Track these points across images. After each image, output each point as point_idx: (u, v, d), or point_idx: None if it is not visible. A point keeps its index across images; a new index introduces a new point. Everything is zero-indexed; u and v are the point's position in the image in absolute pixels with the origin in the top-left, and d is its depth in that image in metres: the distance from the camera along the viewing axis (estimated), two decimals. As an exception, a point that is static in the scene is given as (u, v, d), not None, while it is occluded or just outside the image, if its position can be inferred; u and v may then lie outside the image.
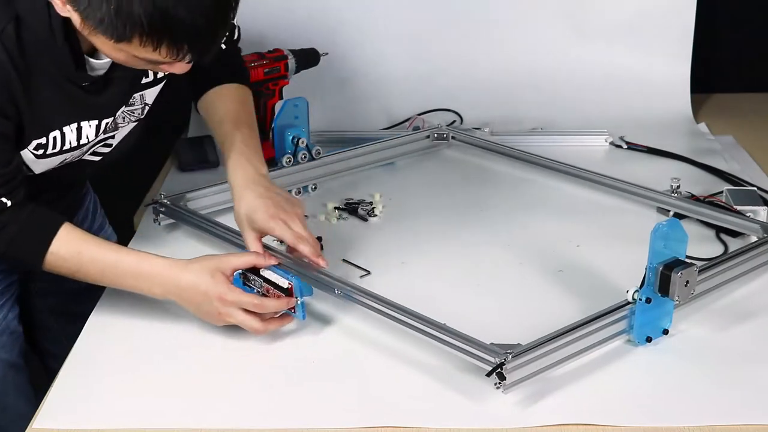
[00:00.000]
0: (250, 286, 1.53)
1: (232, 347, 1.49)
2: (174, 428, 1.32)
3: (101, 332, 1.53)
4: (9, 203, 1.43)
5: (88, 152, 1.59)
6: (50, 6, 1.34)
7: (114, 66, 1.46)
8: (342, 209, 1.95)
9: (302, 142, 2.03)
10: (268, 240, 1.60)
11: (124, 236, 1.94)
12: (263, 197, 1.57)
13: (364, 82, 2.54)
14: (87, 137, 1.51)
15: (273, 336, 1.51)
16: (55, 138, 1.47)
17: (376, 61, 2.54)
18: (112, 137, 1.60)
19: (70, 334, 1.53)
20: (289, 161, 2.03)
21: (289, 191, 1.99)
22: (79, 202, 1.85)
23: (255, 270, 1.52)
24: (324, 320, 1.55)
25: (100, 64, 1.45)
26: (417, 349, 1.45)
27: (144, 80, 1.57)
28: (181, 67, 1.36)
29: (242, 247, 1.68)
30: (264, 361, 1.45)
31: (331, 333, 1.53)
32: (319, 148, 2.07)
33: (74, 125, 1.49)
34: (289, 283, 1.48)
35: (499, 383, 1.31)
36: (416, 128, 2.34)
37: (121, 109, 1.56)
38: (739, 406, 1.34)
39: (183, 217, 1.83)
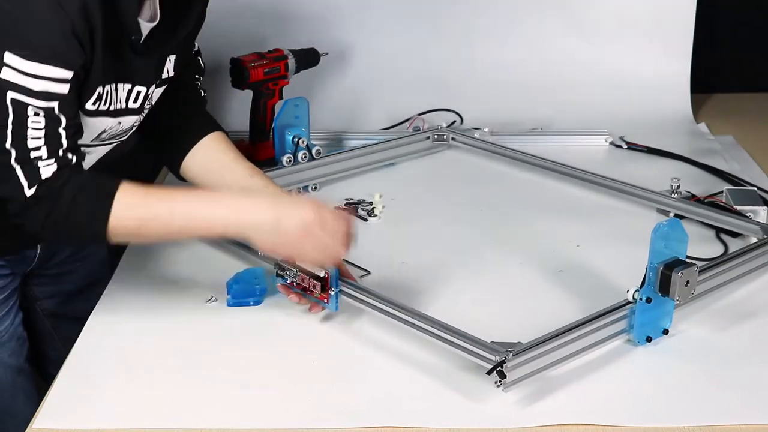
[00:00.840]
0: (284, 276, 1.54)
1: (231, 347, 1.49)
2: (174, 428, 1.31)
3: (101, 333, 1.52)
4: (74, 160, 1.39)
5: (106, 139, 1.56)
6: None
7: (149, 36, 1.46)
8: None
9: (303, 142, 2.04)
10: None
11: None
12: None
13: (364, 81, 2.54)
14: (120, 101, 1.48)
15: (273, 336, 1.51)
16: (108, 92, 1.45)
17: (376, 61, 2.54)
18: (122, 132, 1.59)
19: (67, 338, 1.53)
20: (290, 161, 2.03)
21: (290, 191, 2.00)
22: None
23: (290, 260, 1.53)
24: (324, 320, 1.55)
25: (144, 26, 1.45)
26: (417, 348, 1.45)
27: (164, 75, 1.58)
28: None
29: (242, 246, 1.69)
30: (264, 361, 1.45)
31: (331, 332, 1.53)
32: (319, 148, 2.07)
33: (113, 85, 1.46)
34: (326, 273, 1.50)
35: (500, 381, 1.31)
36: (416, 128, 2.34)
37: (151, 92, 1.55)
38: (739, 406, 1.34)
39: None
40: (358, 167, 2.15)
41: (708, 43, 2.63)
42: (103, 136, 1.52)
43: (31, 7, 1.31)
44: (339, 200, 1.98)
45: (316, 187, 2.07)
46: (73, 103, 1.38)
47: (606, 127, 2.35)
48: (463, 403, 1.35)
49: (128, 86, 1.49)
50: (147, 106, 1.57)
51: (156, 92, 1.60)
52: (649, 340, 1.46)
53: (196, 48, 1.75)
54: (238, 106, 2.22)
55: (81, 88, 1.40)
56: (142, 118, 1.59)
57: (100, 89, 1.43)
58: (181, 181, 1.76)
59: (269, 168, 1.98)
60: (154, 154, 1.71)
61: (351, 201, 1.98)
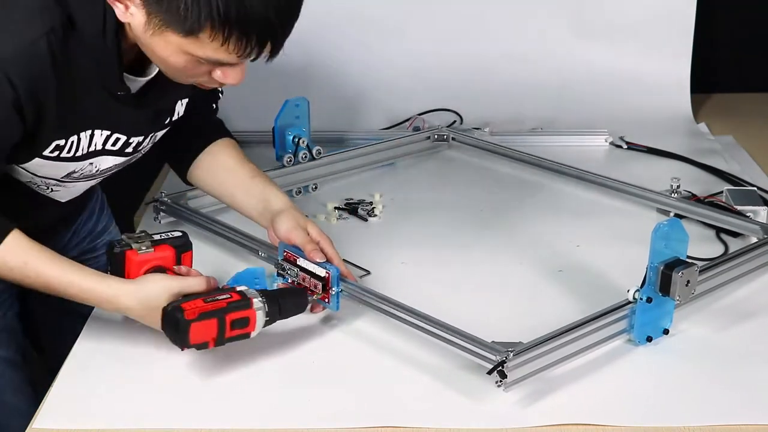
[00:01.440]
0: (285, 276, 1.54)
1: (232, 348, 1.48)
2: (174, 428, 1.31)
3: (101, 332, 1.52)
4: None
5: (81, 178, 1.57)
6: (106, 12, 1.34)
7: (145, 89, 1.46)
8: (342, 209, 1.95)
9: (303, 142, 2.04)
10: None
11: (124, 235, 1.94)
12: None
13: (365, 81, 2.54)
14: (95, 145, 1.50)
15: (273, 336, 1.50)
16: (72, 142, 1.46)
17: (376, 61, 2.54)
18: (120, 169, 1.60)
19: (70, 332, 1.53)
20: (290, 161, 2.03)
21: (290, 191, 2.00)
22: (83, 205, 1.85)
23: (291, 260, 1.54)
24: (324, 320, 1.55)
25: (135, 81, 1.45)
26: (417, 348, 1.45)
27: (167, 120, 1.58)
28: (236, 75, 1.37)
29: (243, 245, 1.70)
30: (264, 361, 1.45)
31: (331, 332, 1.52)
32: (319, 147, 2.07)
33: (89, 131, 1.48)
34: (327, 273, 1.50)
35: (500, 381, 1.31)
36: (416, 128, 2.34)
37: (143, 141, 1.56)
38: (740, 406, 1.34)
39: (184, 215, 1.83)
40: (359, 167, 2.15)
41: (708, 43, 2.63)
42: (75, 175, 1.54)
43: None
44: (339, 200, 1.98)
45: (316, 187, 2.07)
46: None
47: (606, 127, 2.35)
48: (463, 402, 1.35)
49: (106, 133, 1.49)
50: (138, 150, 1.58)
51: (160, 133, 1.60)
52: (649, 339, 1.46)
53: None
54: (239, 106, 2.22)
55: (30, 139, 1.41)
56: (131, 159, 1.59)
57: (60, 142, 1.44)
58: (188, 185, 1.77)
59: (270, 168, 1.98)
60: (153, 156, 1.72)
61: (351, 201, 1.98)
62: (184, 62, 1.34)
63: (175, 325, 1.36)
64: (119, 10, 1.32)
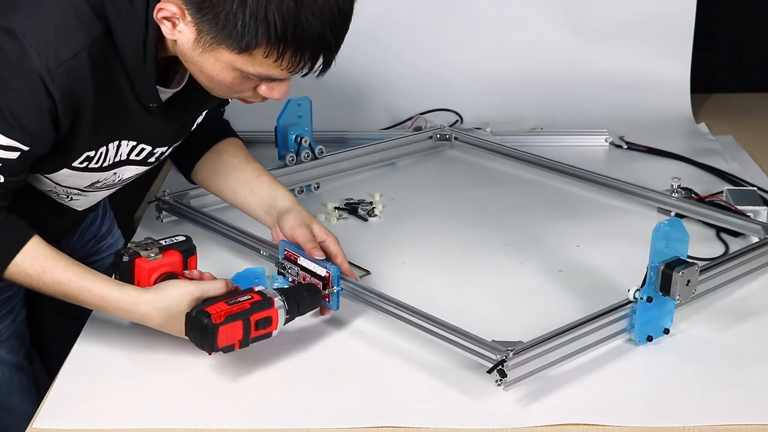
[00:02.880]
0: (285, 275, 1.54)
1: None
2: (174, 428, 1.31)
3: (101, 332, 1.52)
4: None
5: (103, 188, 1.57)
6: (149, 26, 1.33)
7: (170, 100, 1.46)
8: (342, 209, 1.95)
9: (305, 141, 2.04)
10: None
11: (125, 234, 1.94)
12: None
13: (366, 81, 2.54)
14: (120, 155, 1.49)
15: (272, 336, 1.51)
16: (101, 153, 1.46)
17: (377, 61, 2.55)
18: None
19: (71, 336, 1.53)
20: (292, 160, 2.03)
21: (292, 190, 2.00)
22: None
23: (292, 259, 1.54)
24: (324, 319, 1.55)
25: (164, 92, 1.44)
26: (418, 347, 1.45)
27: (189, 130, 1.58)
28: (282, 90, 1.37)
29: (245, 244, 1.70)
30: (264, 361, 1.45)
31: (331, 332, 1.53)
32: (322, 147, 2.07)
33: (116, 142, 1.47)
34: (327, 272, 1.50)
35: (500, 380, 1.31)
36: (418, 128, 2.34)
37: (167, 151, 1.56)
38: (740, 406, 1.34)
39: (186, 214, 1.83)
40: (361, 166, 2.15)
41: (708, 43, 2.63)
42: (98, 185, 1.54)
43: (15, 83, 1.30)
44: (340, 200, 1.98)
45: (318, 186, 2.07)
46: (18, 168, 1.37)
47: (606, 127, 2.36)
48: (463, 401, 1.35)
49: (132, 143, 1.48)
50: (159, 160, 1.58)
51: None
52: (650, 339, 1.46)
53: None
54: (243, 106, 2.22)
55: (62, 151, 1.40)
56: (150, 168, 1.59)
57: (90, 153, 1.44)
58: (192, 184, 1.77)
59: (272, 167, 1.98)
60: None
61: (351, 201, 1.98)
62: (232, 78, 1.33)
63: (202, 329, 1.35)
64: (166, 28, 1.31)
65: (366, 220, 1.92)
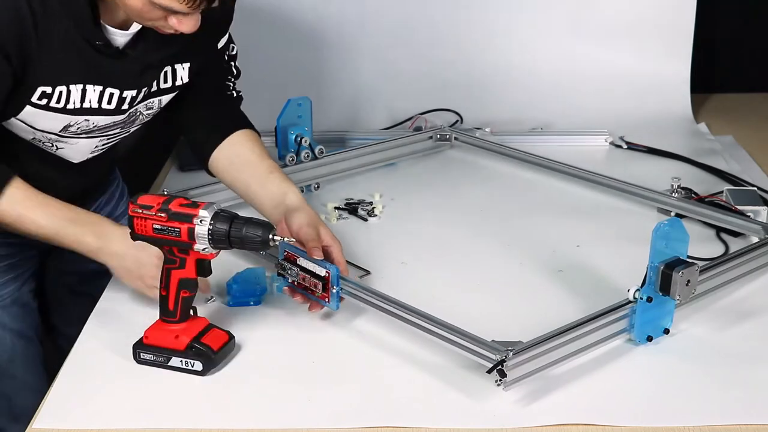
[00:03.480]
0: (285, 276, 1.54)
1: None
2: (174, 428, 1.31)
3: (101, 333, 1.52)
4: None
5: (103, 136, 1.62)
6: None
7: (129, 45, 1.52)
8: (342, 209, 1.95)
9: (305, 141, 2.04)
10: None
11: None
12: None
13: (366, 81, 2.54)
14: (90, 102, 1.54)
15: (273, 336, 1.51)
16: (60, 92, 1.51)
17: (377, 61, 2.54)
18: (122, 128, 1.63)
19: (83, 316, 1.56)
20: (292, 160, 2.03)
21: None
22: (104, 188, 1.88)
23: (292, 260, 1.54)
24: (324, 319, 1.55)
25: (117, 33, 1.50)
26: (417, 347, 1.45)
27: (163, 85, 1.61)
28: (189, 24, 1.43)
29: (243, 245, 1.68)
30: (264, 361, 1.45)
31: (331, 332, 1.53)
32: (322, 147, 2.07)
33: (80, 86, 1.52)
34: (327, 272, 1.50)
35: (500, 380, 1.31)
36: (418, 128, 2.34)
37: (139, 105, 1.60)
38: (740, 406, 1.34)
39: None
40: (361, 167, 2.15)
41: (708, 43, 2.63)
42: (71, 129, 1.57)
43: None
44: (340, 200, 1.98)
45: (318, 186, 2.07)
46: None
47: (606, 127, 2.36)
48: (463, 401, 1.35)
49: (98, 88, 1.53)
50: (136, 108, 1.61)
51: (165, 98, 1.64)
52: (649, 339, 1.46)
53: (233, 52, 1.77)
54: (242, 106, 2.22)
55: (18, 87, 1.47)
56: (131, 121, 1.62)
57: (46, 89, 1.49)
58: (210, 176, 1.78)
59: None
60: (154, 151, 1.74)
61: (351, 201, 1.98)
62: (141, 5, 1.40)
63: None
64: None
65: (366, 220, 1.92)
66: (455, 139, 2.30)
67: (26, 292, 1.76)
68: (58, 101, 1.51)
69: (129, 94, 1.57)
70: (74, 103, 1.52)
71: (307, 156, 2.05)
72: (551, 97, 2.52)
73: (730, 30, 2.71)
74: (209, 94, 1.73)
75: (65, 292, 1.88)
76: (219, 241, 1.39)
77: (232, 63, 1.78)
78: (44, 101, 1.50)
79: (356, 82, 2.54)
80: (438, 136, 2.30)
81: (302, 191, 2.03)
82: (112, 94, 1.55)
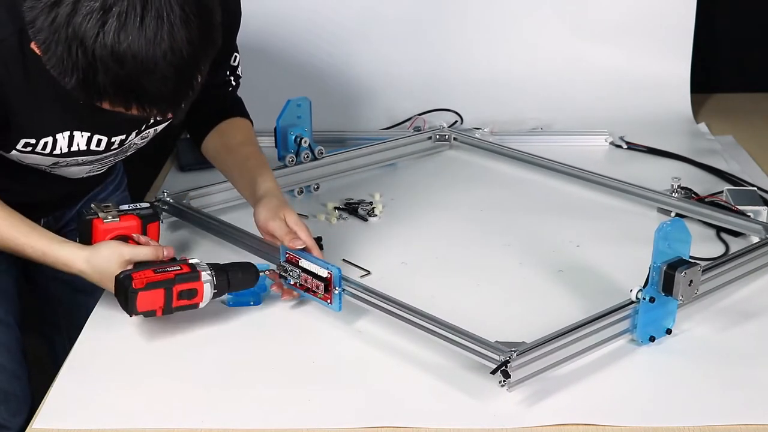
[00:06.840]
0: (287, 277, 1.54)
1: (232, 347, 1.48)
2: (174, 428, 1.31)
3: (101, 333, 1.52)
4: None
5: (72, 164, 1.61)
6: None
7: None
8: (342, 209, 1.95)
9: (305, 142, 2.03)
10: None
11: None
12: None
13: (366, 82, 2.54)
14: (77, 145, 1.54)
15: (272, 336, 1.50)
16: (45, 142, 1.51)
17: (377, 62, 2.54)
18: (116, 157, 1.64)
19: (83, 315, 1.55)
20: (292, 161, 2.02)
21: (291, 191, 2.00)
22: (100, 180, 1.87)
23: (293, 261, 1.54)
24: (325, 319, 1.55)
25: None
26: (420, 348, 1.45)
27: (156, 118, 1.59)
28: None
29: (245, 244, 1.69)
30: (264, 360, 1.45)
31: (331, 332, 1.52)
32: (321, 147, 2.06)
33: (67, 133, 1.51)
34: (329, 273, 1.49)
35: (504, 381, 1.31)
36: (417, 128, 2.34)
37: (131, 138, 1.59)
38: (742, 406, 1.34)
39: (186, 215, 1.82)
40: (361, 167, 2.14)
41: (708, 43, 2.63)
42: (62, 165, 1.57)
43: None
44: (340, 200, 1.98)
45: (318, 187, 2.06)
46: None
47: (606, 127, 2.35)
48: (466, 402, 1.34)
49: (86, 134, 1.53)
50: (125, 145, 1.60)
51: (160, 127, 1.63)
52: (652, 339, 1.46)
53: (235, 62, 1.77)
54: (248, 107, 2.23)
55: (2, 134, 1.47)
56: (123, 151, 1.63)
57: (30, 140, 1.49)
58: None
59: (272, 168, 1.96)
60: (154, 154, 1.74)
61: (351, 201, 1.98)
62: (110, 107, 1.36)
63: (125, 293, 1.43)
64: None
65: (366, 220, 1.92)
66: (454, 139, 2.29)
67: (7, 279, 1.75)
68: (44, 149, 1.51)
69: (118, 138, 1.57)
70: (61, 149, 1.53)
71: (307, 156, 2.04)
72: (551, 97, 2.52)
73: (730, 30, 2.71)
74: (207, 93, 1.71)
75: (65, 291, 1.87)
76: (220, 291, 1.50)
77: (233, 77, 1.79)
78: (29, 149, 1.50)
79: (356, 83, 2.54)
80: (437, 136, 2.29)
81: (302, 192, 2.03)
82: (100, 140, 1.55)
